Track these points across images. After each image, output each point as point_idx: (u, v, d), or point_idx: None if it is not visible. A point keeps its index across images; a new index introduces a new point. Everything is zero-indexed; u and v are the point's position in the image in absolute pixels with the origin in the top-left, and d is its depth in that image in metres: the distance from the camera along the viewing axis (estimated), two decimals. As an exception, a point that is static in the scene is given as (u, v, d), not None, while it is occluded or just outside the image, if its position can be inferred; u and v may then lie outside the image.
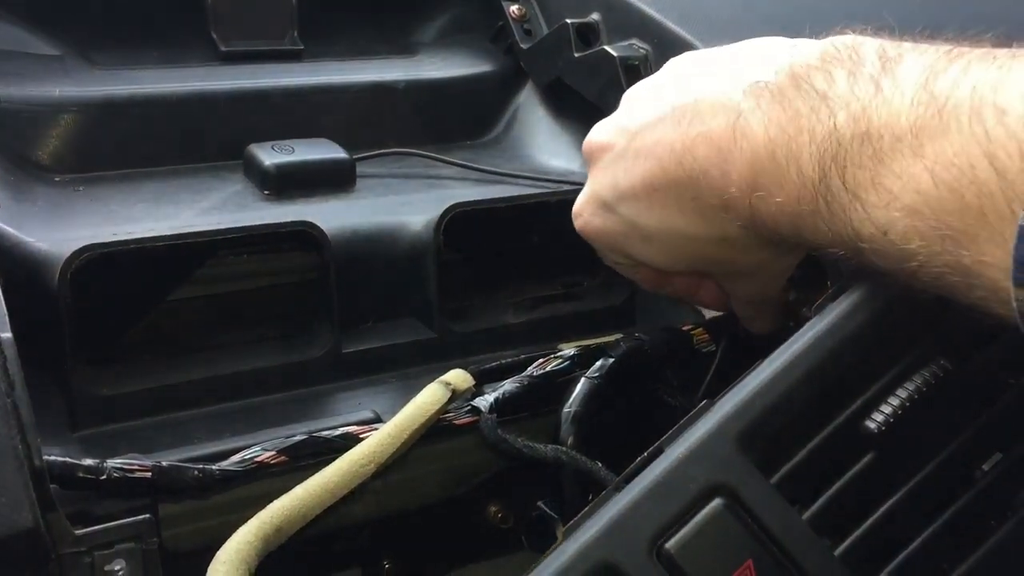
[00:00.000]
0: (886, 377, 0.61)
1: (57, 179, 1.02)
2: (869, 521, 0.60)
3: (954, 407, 0.62)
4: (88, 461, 0.70)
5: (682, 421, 0.60)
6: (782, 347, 0.61)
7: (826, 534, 0.59)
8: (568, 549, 0.57)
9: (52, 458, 0.68)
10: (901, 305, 0.60)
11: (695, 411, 0.60)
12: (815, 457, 0.60)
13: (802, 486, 0.60)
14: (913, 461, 0.61)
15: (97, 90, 1.07)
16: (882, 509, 0.60)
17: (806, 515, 0.59)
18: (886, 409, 0.60)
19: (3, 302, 0.63)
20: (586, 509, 0.60)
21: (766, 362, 0.61)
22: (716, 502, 0.57)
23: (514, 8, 1.28)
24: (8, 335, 0.59)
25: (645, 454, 0.61)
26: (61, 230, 0.90)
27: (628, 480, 0.60)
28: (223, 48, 1.18)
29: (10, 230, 0.87)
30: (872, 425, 0.59)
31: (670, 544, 0.56)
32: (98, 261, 0.81)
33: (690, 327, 0.92)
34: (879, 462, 0.61)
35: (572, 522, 0.59)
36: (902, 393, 0.60)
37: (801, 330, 0.61)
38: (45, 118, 1.03)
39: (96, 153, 1.05)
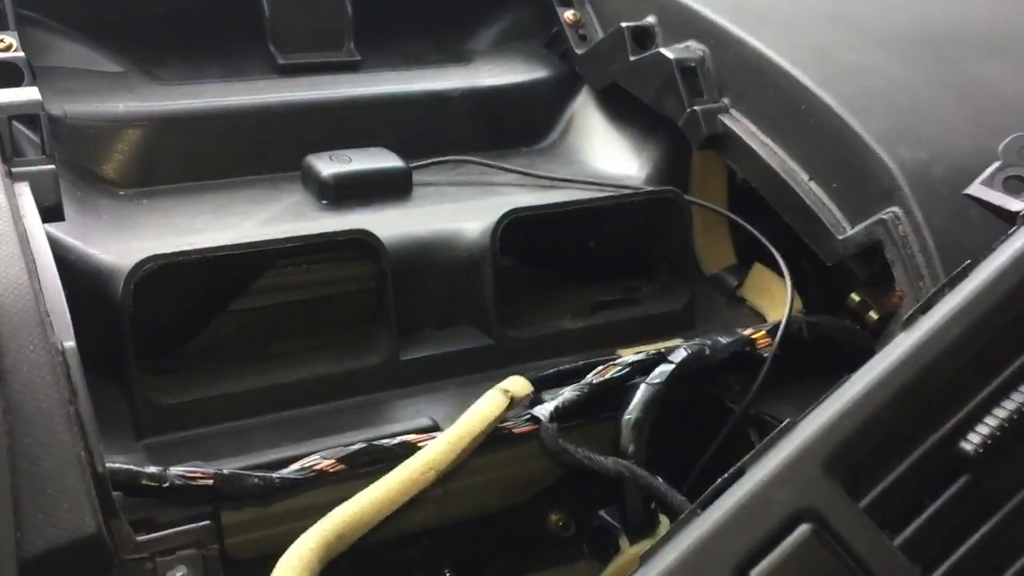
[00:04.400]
0: (983, 395, 0.57)
1: (121, 192, 1.04)
2: (964, 548, 0.55)
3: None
4: (151, 469, 0.71)
5: (764, 441, 0.58)
6: (870, 363, 0.57)
7: (919, 561, 0.55)
8: None
9: (116, 466, 0.69)
10: (999, 317, 0.58)
11: (778, 430, 0.58)
12: (906, 480, 0.56)
13: (893, 510, 0.56)
14: (1012, 485, 0.58)
15: (160, 105, 1.09)
16: (978, 535, 0.56)
17: (897, 541, 0.55)
18: (983, 430, 0.56)
19: (68, 312, 0.64)
20: (665, 534, 0.58)
21: (853, 379, 0.57)
22: (803, 528, 0.54)
23: (569, 14, 1.28)
24: (72, 344, 0.60)
25: (726, 475, 0.58)
26: (125, 242, 0.92)
27: (707, 503, 0.57)
28: (281, 61, 1.20)
29: (76, 243, 0.89)
30: (968, 447, 0.56)
31: (755, 572, 0.53)
32: (161, 272, 0.82)
33: (751, 331, 0.91)
34: (975, 485, 0.57)
35: (651, 548, 0.57)
36: (1000, 413, 0.56)
37: (890, 345, 0.58)
38: (110, 133, 1.06)
39: (159, 166, 1.07)
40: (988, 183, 0.78)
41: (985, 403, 0.57)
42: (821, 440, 0.54)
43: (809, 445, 0.54)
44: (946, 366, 0.56)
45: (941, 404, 0.57)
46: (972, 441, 0.56)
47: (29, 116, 0.85)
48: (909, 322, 0.58)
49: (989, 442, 0.55)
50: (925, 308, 0.59)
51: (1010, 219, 0.75)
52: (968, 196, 0.79)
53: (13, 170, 0.80)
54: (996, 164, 0.78)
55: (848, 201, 0.93)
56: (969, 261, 0.62)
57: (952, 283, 0.59)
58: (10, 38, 1.00)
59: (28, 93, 0.87)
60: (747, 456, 0.57)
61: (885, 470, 0.56)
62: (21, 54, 0.98)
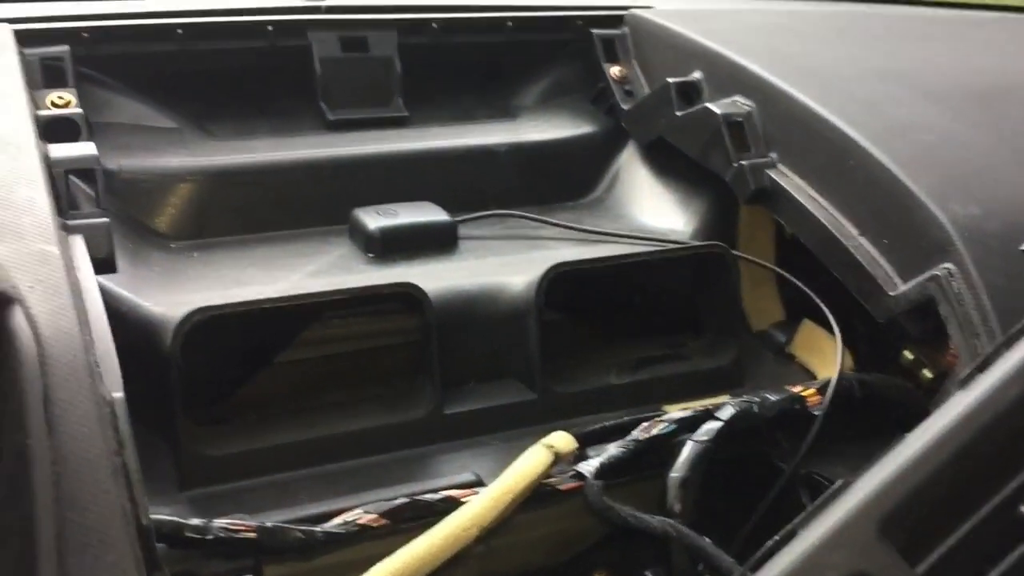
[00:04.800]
0: None
1: (173, 245, 1.06)
2: None
3: None
4: (195, 521, 0.71)
5: (817, 502, 0.56)
6: (926, 423, 0.55)
7: None
8: None
9: (160, 517, 0.69)
10: None
11: (831, 491, 0.56)
12: (965, 545, 0.54)
13: (951, 577, 0.55)
14: None
15: (212, 160, 1.11)
16: None
17: None
18: None
19: (117, 363, 0.65)
20: None
21: (908, 439, 0.56)
22: None
23: (615, 70, 1.29)
24: (120, 395, 0.61)
25: (777, 537, 0.57)
26: (174, 293, 0.93)
27: (758, 566, 0.56)
28: (331, 117, 1.22)
29: (127, 294, 0.90)
30: None
31: None
32: (209, 323, 0.83)
33: (801, 389, 0.89)
34: None
35: None
36: None
37: (947, 404, 0.55)
38: (163, 187, 1.08)
39: (210, 220, 1.09)
40: None
41: None
42: (876, 502, 0.53)
43: (864, 507, 0.53)
44: (1006, 427, 0.54)
45: (1001, 466, 0.55)
46: None
47: (85, 170, 0.87)
48: (966, 381, 0.57)
49: None
50: (983, 367, 0.57)
51: None
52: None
53: (68, 222, 0.82)
54: None
55: (900, 257, 0.91)
56: None
57: (1010, 341, 0.57)
58: (69, 95, 1.03)
59: (85, 148, 0.89)
60: (799, 517, 0.56)
61: (942, 534, 0.54)
62: (79, 110, 1.01)
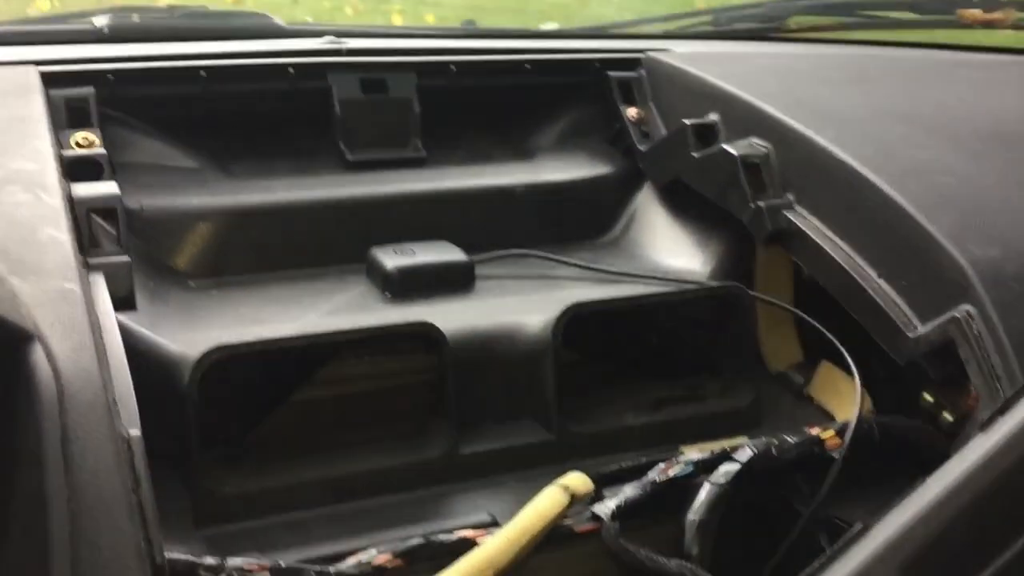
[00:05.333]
0: None
1: (192, 283, 1.07)
2: None
3: None
4: (209, 560, 0.71)
5: (836, 547, 0.56)
6: (946, 466, 0.54)
7: None
8: None
9: (174, 556, 0.69)
10: None
11: (850, 535, 0.56)
12: None
13: (974, 625, 0.54)
14: None
15: (231, 199, 1.12)
16: None
17: None
18: None
19: (135, 400, 0.65)
20: None
21: (929, 482, 0.55)
22: None
23: (632, 111, 1.29)
24: (137, 433, 0.61)
25: None
26: (193, 331, 0.93)
27: None
28: (350, 158, 1.23)
29: (145, 332, 0.91)
30: None
31: None
32: (226, 361, 0.83)
33: (820, 431, 0.88)
34: None
35: None
36: None
37: (968, 446, 0.55)
38: (183, 226, 1.09)
39: (230, 258, 1.09)
40: None
41: None
42: (897, 546, 0.52)
43: (884, 551, 0.52)
44: None
45: (1022, 511, 0.54)
46: None
47: (107, 209, 0.88)
48: (987, 424, 0.56)
49: None
50: (1004, 409, 0.56)
51: None
52: None
53: (89, 260, 0.82)
54: None
55: (919, 299, 0.91)
56: None
57: None
58: (93, 135, 1.05)
59: (107, 187, 0.90)
60: (818, 561, 0.55)
61: None
62: (102, 150, 1.02)
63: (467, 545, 0.77)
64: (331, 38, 1.32)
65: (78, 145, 1.03)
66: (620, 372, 1.04)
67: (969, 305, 0.85)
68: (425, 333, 0.90)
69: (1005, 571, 0.53)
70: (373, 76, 1.25)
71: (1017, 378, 0.79)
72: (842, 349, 0.96)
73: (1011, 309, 0.84)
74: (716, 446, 0.87)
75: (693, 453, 0.86)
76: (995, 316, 0.83)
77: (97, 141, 1.04)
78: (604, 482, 0.85)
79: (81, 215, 0.85)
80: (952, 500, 0.53)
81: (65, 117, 1.07)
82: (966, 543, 0.53)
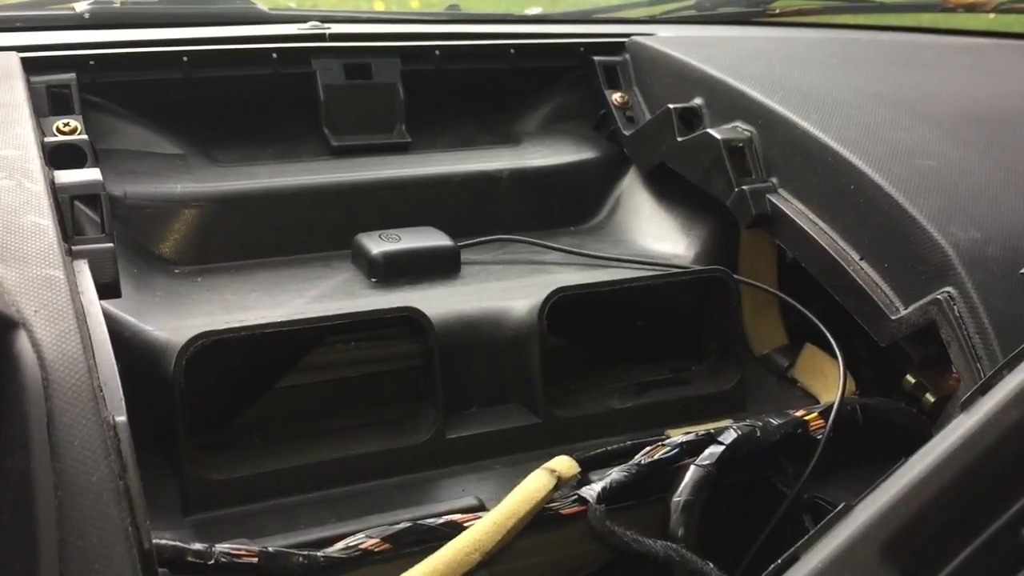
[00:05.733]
0: None
1: (177, 270, 1.06)
2: None
3: None
4: (197, 545, 0.71)
5: (819, 526, 0.56)
6: (928, 446, 0.55)
7: None
8: None
9: (162, 542, 0.69)
10: None
11: (833, 515, 0.56)
12: (967, 569, 0.54)
13: (955, 602, 0.54)
14: None
15: (216, 186, 1.12)
16: None
17: None
18: None
19: (120, 387, 0.65)
20: None
21: (911, 462, 0.55)
22: None
23: (616, 96, 1.29)
24: (123, 419, 0.61)
25: (779, 562, 0.57)
26: (178, 319, 0.93)
27: None
28: (334, 143, 1.22)
29: (130, 319, 0.91)
30: None
31: None
32: (212, 348, 0.83)
33: (804, 413, 0.89)
34: None
35: None
36: None
37: (949, 427, 0.55)
38: (167, 213, 1.08)
39: (214, 245, 1.09)
40: None
41: None
42: (879, 525, 0.52)
43: (866, 530, 0.52)
44: (1007, 450, 0.54)
45: (1003, 490, 0.54)
46: None
47: (90, 196, 0.87)
48: (968, 404, 0.56)
49: None
50: (984, 389, 0.57)
51: None
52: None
53: (73, 248, 0.82)
54: None
55: (901, 281, 0.92)
56: None
57: (1012, 363, 0.57)
58: (75, 122, 1.04)
59: (90, 174, 0.90)
60: (801, 541, 0.55)
61: (945, 559, 0.53)
62: (85, 137, 1.02)
63: (454, 529, 0.77)
64: (315, 23, 1.31)
65: (60, 132, 1.02)
66: (606, 357, 1.05)
67: (951, 287, 0.86)
68: (411, 318, 0.90)
69: (985, 550, 0.53)
70: (357, 61, 1.24)
71: (998, 358, 0.80)
72: (825, 332, 0.97)
73: (992, 291, 0.84)
74: (701, 429, 0.88)
75: (678, 436, 0.87)
76: (976, 298, 0.84)
77: (79, 127, 1.03)
78: (590, 465, 0.85)
79: (64, 202, 0.85)
80: (933, 479, 0.53)
81: (47, 103, 1.06)
82: (948, 521, 0.53)
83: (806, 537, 0.55)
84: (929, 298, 0.87)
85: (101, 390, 0.61)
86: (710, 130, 1.10)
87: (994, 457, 0.53)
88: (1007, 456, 0.54)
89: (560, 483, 0.81)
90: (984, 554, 0.54)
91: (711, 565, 0.75)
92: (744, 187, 1.05)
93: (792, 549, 0.56)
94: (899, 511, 0.53)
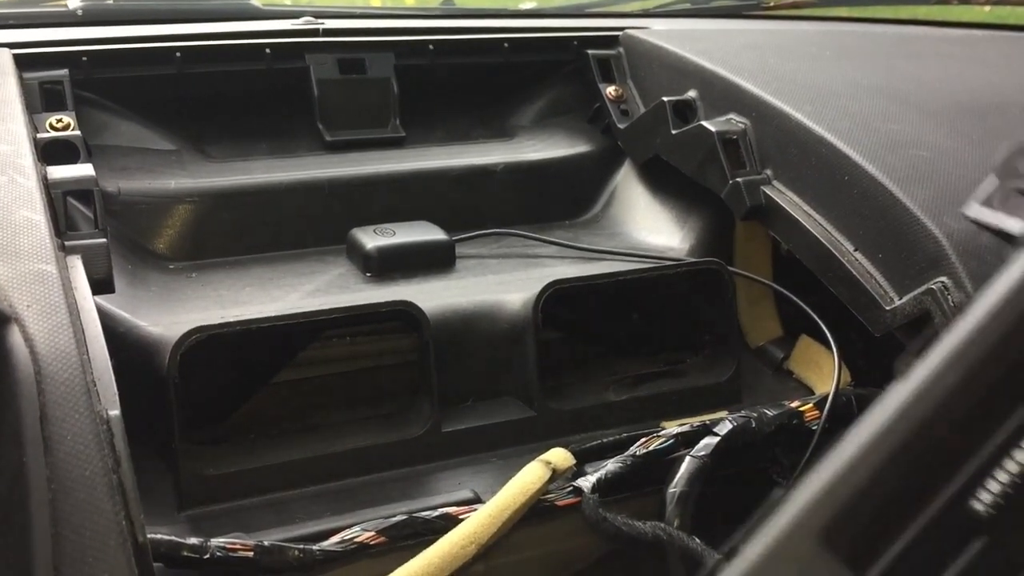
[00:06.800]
0: (990, 446, 0.54)
1: (171, 266, 1.06)
2: None
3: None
4: (192, 540, 0.71)
5: (755, 516, 0.55)
6: (861, 420, 0.54)
7: None
8: None
9: (157, 536, 0.69)
10: (1001, 357, 0.54)
11: (769, 502, 0.55)
12: (916, 548, 0.52)
13: (905, 584, 0.54)
14: None
15: (210, 181, 1.12)
16: None
17: None
18: (994, 486, 0.53)
19: (114, 381, 0.65)
20: None
21: (846, 439, 0.54)
22: None
23: (611, 89, 1.29)
24: (116, 412, 0.61)
25: (720, 555, 0.56)
26: (172, 314, 0.93)
27: None
28: (329, 138, 1.22)
29: (125, 315, 0.91)
30: (979, 506, 0.52)
31: None
32: (206, 343, 0.83)
33: (799, 404, 0.89)
34: (992, 549, 0.54)
35: None
36: (1012, 466, 0.53)
37: (881, 396, 0.55)
38: (161, 209, 1.08)
39: (208, 241, 1.09)
40: (988, 202, 0.75)
41: (996, 455, 0.52)
42: (814, 511, 0.50)
43: (801, 518, 0.50)
44: (947, 417, 0.52)
45: (946, 460, 0.52)
46: (983, 500, 0.51)
47: (83, 192, 0.87)
48: (904, 370, 0.55)
49: (1002, 499, 0.51)
50: (919, 349, 0.55)
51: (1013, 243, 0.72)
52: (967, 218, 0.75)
53: (66, 243, 0.82)
54: (994, 180, 0.75)
55: (895, 271, 0.92)
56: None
57: (949, 327, 0.56)
58: (68, 118, 1.04)
59: (83, 170, 0.90)
60: (740, 535, 0.54)
61: (890, 539, 0.51)
62: (78, 133, 1.01)
63: (450, 522, 0.77)
64: (308, 19, 1.31)
65: (53, 128, 1.02)
66: (601, 349, 1.05)
67: (945, 277, 0.86)
68: (406, 312, 0.90)
69: (933, 525, 0.51)
70: (351, 56, 1.24)
71: (992, 348, 0.80)
72: (820, 323, 0.97)
73: (986, 280, 0.84)
74: (696, 420, 0.88)
75: (673, 428, 0.87)
76: (970, 287, 0.84)
77: (72, 123, 1.03)
78: (585, 457, 0.85)
79: (57, 198, 0.85)
80: (868, 456, 0.49)
81: (40, 99, 1.06)
82: (889, 500, 0.50)
83: (743, 529, 0.54)
84: (923, 288, 0.87)
85: (94, 384, 0.61)
86: (704, 123, 1.09)
87: (932, 427, 0.51)
88: (947, 425, 0.51)
89: (555, 475, 0.81)
90: (932, 530, 0.51)
91: (698, 540, 0.75)
92: (738, 179, 1.04)
93: (732, 543, 0.55)
94: (835, 494, 0.49)
